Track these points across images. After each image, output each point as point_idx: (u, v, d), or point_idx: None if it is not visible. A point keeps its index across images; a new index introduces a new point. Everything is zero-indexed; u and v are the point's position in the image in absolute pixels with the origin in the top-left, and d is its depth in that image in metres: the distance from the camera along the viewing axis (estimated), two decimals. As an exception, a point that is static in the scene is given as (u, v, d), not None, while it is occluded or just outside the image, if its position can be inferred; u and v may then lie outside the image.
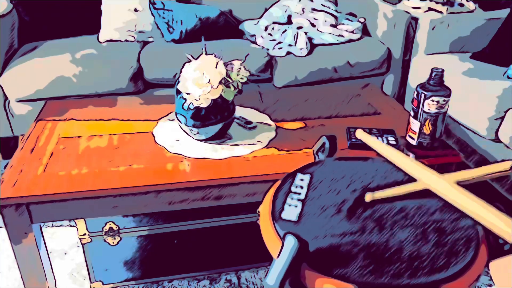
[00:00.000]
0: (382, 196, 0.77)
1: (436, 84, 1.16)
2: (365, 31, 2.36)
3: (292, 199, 0.78)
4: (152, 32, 2.20)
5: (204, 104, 1.17)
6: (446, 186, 0.75)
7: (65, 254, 1.57)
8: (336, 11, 2.34)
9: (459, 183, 0.75)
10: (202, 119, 1.21)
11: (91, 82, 1.96)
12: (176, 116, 1.25)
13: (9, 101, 1.98)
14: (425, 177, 0.78)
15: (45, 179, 1.10)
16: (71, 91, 1.96)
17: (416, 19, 2.15)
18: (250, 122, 1.37)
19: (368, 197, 0.77)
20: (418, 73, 2.12)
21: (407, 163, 0.82)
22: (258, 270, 1.50)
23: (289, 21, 2.31)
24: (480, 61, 2.00)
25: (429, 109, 1.18)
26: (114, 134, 1.32)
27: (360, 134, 0.95)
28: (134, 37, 2.17)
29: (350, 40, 2.21)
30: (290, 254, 0.63)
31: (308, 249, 0.66)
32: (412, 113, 1.23)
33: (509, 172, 0.77)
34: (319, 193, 0.80)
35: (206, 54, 1.19)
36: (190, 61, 1.19)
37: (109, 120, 1.41)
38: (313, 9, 2.31)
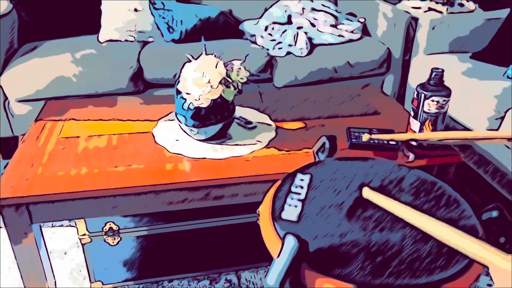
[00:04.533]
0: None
1: (436, 84, 1.16)
2: (365, 31, 2.36)
3: (292, 199, 0.78)
4: (152, 32, 2.20)
5: (204, 104, 1.17)
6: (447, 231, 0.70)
7: (65, 254, 1.57)
8: (336, 11, 2.34)
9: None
10: (202, 119, 1.21)
11: (91, 82, 1.96)
12: (176, 116, 1.25)
13: (9, 101, 1.98)
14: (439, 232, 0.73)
15: (45, 179, 1.10)
16: (71, 91, 1.96)
17: (416, 19, 2.15)
18: (250, 122, 1.37)
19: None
20: (418, 73, 2.12)
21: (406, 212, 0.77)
22: (258, 270, 1.50)
23: (289, 21, 2.31)
24: (480, 61, 2.00)
25: (429, 109, 1.18)
26: (114, 134, 1.32)
27: (367, 193, 0.86)
28: (134, 37, 2.17)
29: (350, 40, 2.21)
30: (290, 254, 0.63)
31: (308, 249, 0.66)
32: (412, 113, 1.23)
33: (507, 142, 0.75)
34: (319, 193, 0.80)
35: (206, 54, 1.19)
36: (190, 61, 1.19)
37: (108, 120, 1.41)
38: (313, 9, 2.31)
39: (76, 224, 1.35)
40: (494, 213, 0.73)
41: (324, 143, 0.95)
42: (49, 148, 1.24)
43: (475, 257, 0.65)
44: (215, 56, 1.19)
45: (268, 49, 2.12)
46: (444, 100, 1.16)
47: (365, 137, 0.76)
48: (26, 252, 1.14)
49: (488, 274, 1.47)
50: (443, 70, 1.16)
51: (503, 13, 2.11)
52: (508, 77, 1.79)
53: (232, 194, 1.17)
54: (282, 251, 0.64)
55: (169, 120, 1.39)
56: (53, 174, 1.12)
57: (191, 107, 1.19)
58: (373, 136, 0.76)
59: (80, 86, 1.96)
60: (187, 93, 1.17)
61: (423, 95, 1.17)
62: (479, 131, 0.78)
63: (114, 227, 1.37)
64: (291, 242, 0.64)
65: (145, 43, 2.18)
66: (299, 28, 2.22)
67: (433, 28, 2.08)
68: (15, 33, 2.15)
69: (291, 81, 2.08)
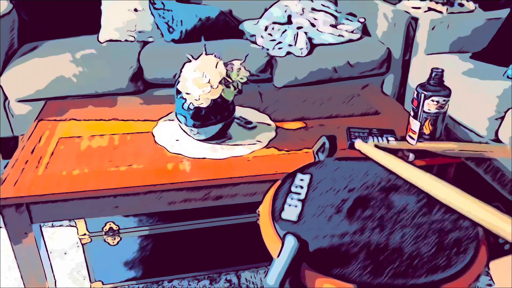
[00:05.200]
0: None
1: (436, 84, 1.16)
2: (365, 31, 2.36)
3: (292, 199, 0.78)
4: (152, 32, 2.20)
5: (204, 104, 1.17)
6: (445, 190, 0.74)
7: (65, 254, 1.57)
8: (336, 11, 2.34)
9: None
10: (202, 119, 1.21)
11: (91, 82, 1.96)
12: (176, 116, 1.25)
13: (9, 101, 1.98)
14: (425, 183, 0.77)
15: (45, 179, 1.10)
16: (71, 91, 1.96)
17: (416, 19, 2.15)
18: (250, 122, 1.37)
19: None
20: (418, 73, 2.12)
21: (405, 168, 0.81)
22: (258, 270, 1.50)
23: (289, 21, 2.31)
24: (480, 61, 2.00)
25: (429, 109, 1.18)
26: (114, 134, 1.32)
27: (359, 145, 0.92)
28: (134, 37, 2.17)
29: (350, 40, 2.21)
30: (290, 254, 0.63)
31: (308, 249, 0.66)
32: (412, 113, 1.23)
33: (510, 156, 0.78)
34: (319, 193, 0.80)
35: (206, 54, 1.19)
36: (190, 61, 1.19)
37: (109, 120, 1.41)
38: (313, 9, 2.31)
39: (76, 224, 1.35)
40: (494, 213, 0.73)
41: (324, 143, 0.95)
42: (49, 148, 1.24)
43: (474, 218, 0.66)
44: (215, 56, 1.19)
45: (268, 49, 2.12)
46: (444, 100, 1.16)
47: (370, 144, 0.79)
48: (26, 252, 1.14)
49: (488, 274, 1.47)
50: (443, 70, 1.16)
51: (503, 13, 2.11)
52: (508, 77, 1.79)
53: (232, 194, 1.17)
54: (282, 251, 0.64)
55: (169, 120, 1.39)
56: (53, 174, 1.12)
57: (191, 107, 1.19)
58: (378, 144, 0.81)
59: (80, 86, 1.96)
60: (187, 93, 1.17)
61: (423, 95, 1.17)
62: (477, 144, 0.83)
63: (114, 227, 1.37)
64: (291, 242, 0.64)
65: (145, 43, 2.18)
66: (299, 28, 2.22)
67: (433, 28, 2.08)
68: (15, 33, 2.15)
69: (291, 81, 2.08)
